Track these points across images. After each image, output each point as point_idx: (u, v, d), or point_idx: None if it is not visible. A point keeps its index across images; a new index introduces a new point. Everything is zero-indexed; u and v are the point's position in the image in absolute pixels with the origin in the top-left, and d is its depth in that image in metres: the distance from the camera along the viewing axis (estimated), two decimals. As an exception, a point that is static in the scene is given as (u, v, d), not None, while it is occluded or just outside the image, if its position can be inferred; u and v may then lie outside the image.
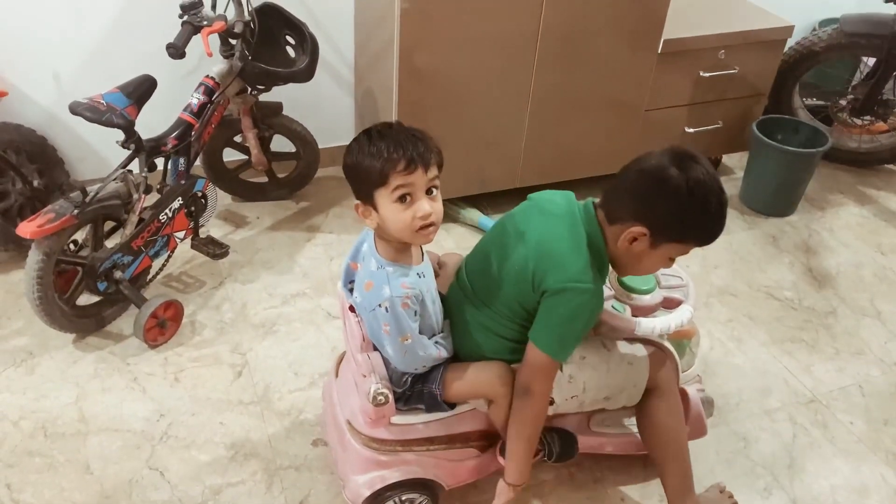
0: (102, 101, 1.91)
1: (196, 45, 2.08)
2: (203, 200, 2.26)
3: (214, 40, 2.17)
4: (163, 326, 2.10)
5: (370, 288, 1.38)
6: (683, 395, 1.71)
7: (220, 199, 2.35)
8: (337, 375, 1.71)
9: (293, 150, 2.63)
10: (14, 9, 2.26)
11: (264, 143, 2.53)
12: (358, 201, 1.35)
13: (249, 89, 2.33)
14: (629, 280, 1.61)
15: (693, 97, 2.71)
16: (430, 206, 1.31)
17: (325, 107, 2.78)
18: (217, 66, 2.21)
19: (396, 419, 1.53)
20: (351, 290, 1.50)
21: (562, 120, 2.56)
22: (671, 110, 2.71)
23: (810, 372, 2.16)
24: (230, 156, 2.61)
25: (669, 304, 1.62)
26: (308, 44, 2.28)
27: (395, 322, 1.37)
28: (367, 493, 1.54)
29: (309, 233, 2.58)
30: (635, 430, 1.71)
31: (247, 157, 2.55)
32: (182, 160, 2.16)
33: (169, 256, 2.23)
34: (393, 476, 1.55)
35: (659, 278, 1.66)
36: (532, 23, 2.31)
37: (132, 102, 1.96)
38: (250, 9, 2.19)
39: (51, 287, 1.93)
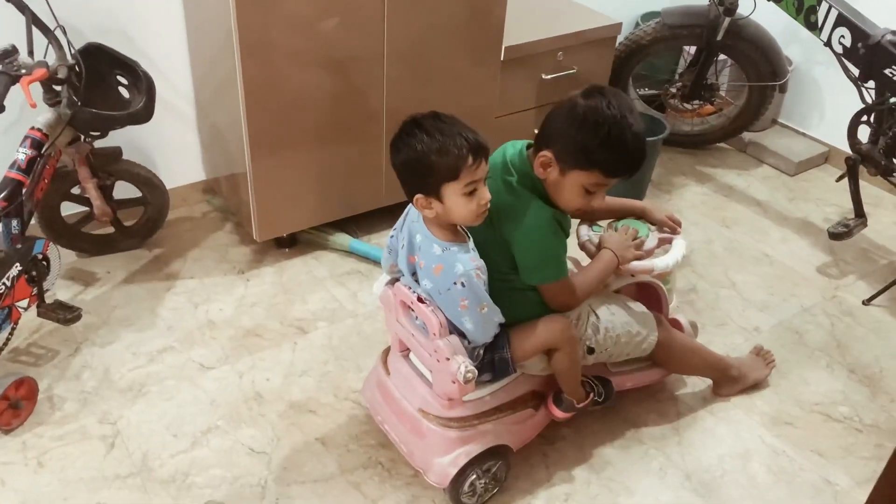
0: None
1: (16, 95, 1.90)
2: (45, 263, 2.07)
3: (37, 88, 1.98)
4: (16, 408, 1.89)
5: (441, 270, 1.49)
6: (676, 323, 2.01)
7: (63, 257, 2.15)
8: (388, 373, 1.80)
9: (139, 195, 2.46)
10: None
11: (106, 191, 2.35)
12: (420, 195, 1.45)
13: (83, 137, 2.16)
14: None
15: (539, 99, 2.79)
16: (489, 194, 1.47)
17: (168, 146, 2.63)
18: (43, 115, 2.02)
19: (467, 396, 1.64)
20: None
21: None
22: (520, 115, 2.77)
23: (683, 349, 2.28)
24: (69, 209, 2.41)
25: (663, 243, 1.84)
26: (142, 82, 2.14)
27: (472, 294, 1.48)
28: (454, 471, 1.64)
29: (168, 281, 2.42)
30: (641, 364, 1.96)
31: (88, 209, 2.36)
32: (15, 222, 1.96)
33: (13, 330, 2.02)
34: (475, 449, 1.66)
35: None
36: (376, 45, 2.28)
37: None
38: (73, 51, 2.03)
39: None
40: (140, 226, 2.52)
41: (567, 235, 1.64)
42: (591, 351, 1.76)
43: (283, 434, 1.94)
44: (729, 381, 2.08)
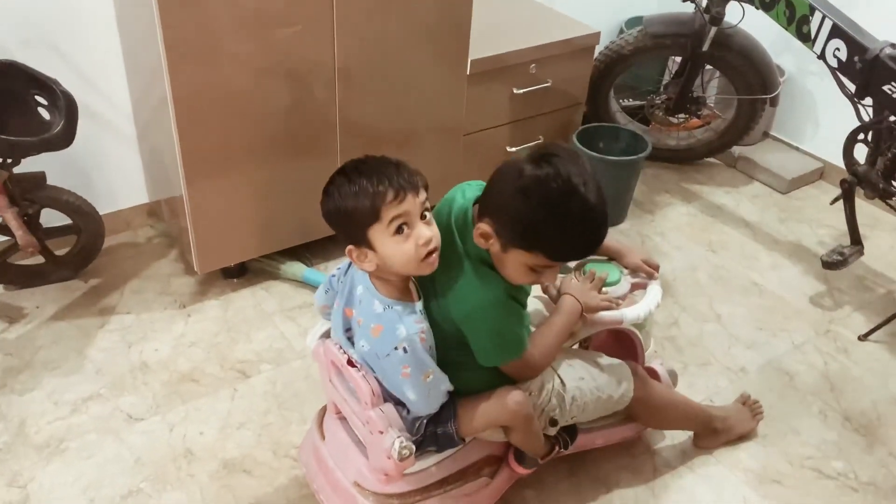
0: None
1: None
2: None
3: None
4: (-89, 472, 1.70)
5: (380, 331, 1.31)
6: (653, 372, 1.81)
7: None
8: (323, 437, 1.59)
9: (70, 222, 2.25)
10: None
11: (31, 220, 2.14)
12: (350, 246, 1.29)
13: (-2, 163, 1.96)
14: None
15: (511, 115, 2.59)
16: (429, 231, 1.27)
17: (107, 167, 2.42)
18: (-54, 142, 1.82)
19: (409, 468, 1.43)
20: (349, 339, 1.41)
21: (377, 151, 2.25)
22: (490, 132, 2.57)
23: (662, 393, 2.08)
24: (-8, 239, 2.21)
25: (636, 288, 1.66)
26: (62, 102, 1.93)
27: (415, 361, 1.31)
28: None
29: (101, 317, 2.22)
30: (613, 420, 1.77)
31: (13, 238, 2.15)
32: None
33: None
34: None
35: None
36: (325, 56, 2.08)
37: None
38: (-21, 70, 1.82)
39: None
40: (73, 255, 2.31)
41: (524, 305, 1.45)
42: (554, 423, 1.56)
43: (213, 499, 1.73)
44: (712, 433, 1.89)
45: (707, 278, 2.52)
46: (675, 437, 1.93)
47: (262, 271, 2.40)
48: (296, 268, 2.38)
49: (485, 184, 1.39)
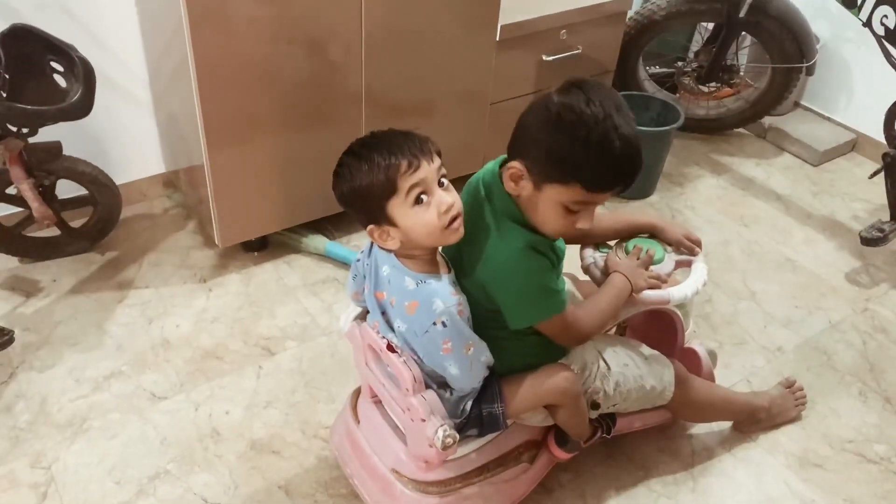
0: None
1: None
2: (-30, 279, 1.81)
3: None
4: (-68, 452, 1.65)
5: (416, 308, 1.25)
6: (693, 353, 1.74)
7: (3, 263, 1.89)
8: (357, 421, 1.54)
9: (86, 193, 2.18)
10: None
11: (47, 191, 2.07)
12: (371, 226, 1.24)
13: (14, 132, 1.88)
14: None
15: (539, 84, 2.49)
16: (450, 196, 1.22)
17: (121, 135, 2.34)
18: (-41, 110, 1.74)
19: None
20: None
21: (402, 121, 2.21)
22: (518, 100, 2.48)
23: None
24: (6, 210, 2.14)
25: (681, 266, 1.58)
26: (78, 69, 1.85)
27: (455, 334, 1.26)
28: None
29: (120, 291, 2.16)
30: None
31: (28, 210, 2.08)
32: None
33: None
34: None
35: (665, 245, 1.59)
36: (352, 21, 1.99)
37: None
38: (-6, 34, 1.74)
39: None
40: (89, 227, 2.25)
41: (555, 262, 1.35)
42: (595, 406, 1.51)
43: (242, 480, 1.69)
44: (754, 422, 1.84)
45: (740, 254, 2.45)
46: (713, 419, 1.88)
47: (284, 244, 2.33)
48: (318, 241, 2.31)
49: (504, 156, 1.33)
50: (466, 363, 1.29)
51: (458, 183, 1.31)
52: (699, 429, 1.86)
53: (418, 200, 1.19)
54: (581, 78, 1.23)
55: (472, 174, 1.39)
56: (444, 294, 1.25)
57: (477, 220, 1.30)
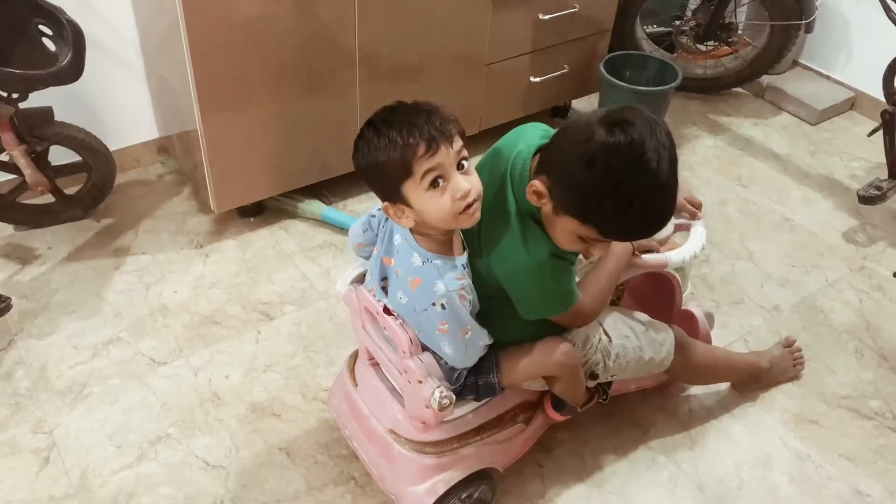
0: None
1: None
2: (-35, 247, 1.80)
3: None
4: (-66, 419, 1.66)
5: (418, 286, 1.24)
6: (690, 315, 1.74)
7: (-3, 231, 1.89)
8: (355, 384, 1.55)
9: (80, 159, 2.16)
10: None
11: (40, 158, 2.05)
12: (386, 203, 1.21)
13: (3, 97, 1.85)
14: None
15: (535, 43, 2.46)
16: (467, 183, 1.17)
17: (113, 101, 2.31)
18: (-53, 75, 1.72)
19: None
20: (383, 289, 1.33)
21: (397, 83, 2.23)
22: (514, 61, 2.45)
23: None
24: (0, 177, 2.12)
25: (680, 229, 1.58)
26: (67, 32, 1.82)
27: (453, 318, 1.24)
28: (431, 501, 1.42)
29: (116, 258, 2.15)
30: None
31: (21, 177, 2.06)
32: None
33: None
34: (455, 476, 1.44)
35: None
36: (344, -20, 1.95)
37: None
38: (-21, -3, 1.70)
39: None
40: (84, 194, 2.23)
41: (574, 259, 1.33)
42: (593, 377, 1.51)
43: (243, 444, 1.70)
44: (754, 381, 1.86)
45: (737, 213, 2.45)
46: (710, 378, 1.89)
47: (280, 210, 2.32)
48: (314, 206, 2.30)
49: (549, 129, 1.29)
50: (462, 346, 1.29)
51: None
52: (697, 388, 1.87)
53: (434, 184, 1.15)
54: (632, 114, 1.12)
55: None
56: (448, 278, 1.23)
57: (498, 204, 1.26)
